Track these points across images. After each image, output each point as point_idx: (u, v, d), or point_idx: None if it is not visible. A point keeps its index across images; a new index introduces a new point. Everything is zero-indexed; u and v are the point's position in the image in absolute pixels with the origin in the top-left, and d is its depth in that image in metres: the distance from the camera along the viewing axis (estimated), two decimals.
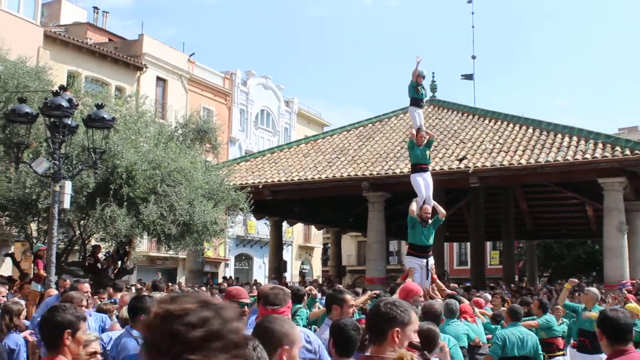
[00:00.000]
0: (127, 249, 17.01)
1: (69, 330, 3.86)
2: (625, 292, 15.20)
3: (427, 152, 13.16)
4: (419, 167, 12.87)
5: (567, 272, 40.45)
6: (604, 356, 5.18)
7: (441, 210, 12.13)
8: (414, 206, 12.03)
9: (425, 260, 11.89)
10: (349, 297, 5.77)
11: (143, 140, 16.64)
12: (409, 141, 13.54)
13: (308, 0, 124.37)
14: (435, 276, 11.87)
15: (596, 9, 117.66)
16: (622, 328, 4.14)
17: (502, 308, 11.49)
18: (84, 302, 6.64)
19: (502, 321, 9.89)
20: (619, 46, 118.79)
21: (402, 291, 7.32)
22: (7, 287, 10.73)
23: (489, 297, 13.38)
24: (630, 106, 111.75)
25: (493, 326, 10.29)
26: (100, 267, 16.22)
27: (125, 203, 14.60)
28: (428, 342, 4.70)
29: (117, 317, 7.76)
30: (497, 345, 8.03)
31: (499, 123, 23.24)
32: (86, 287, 8.42)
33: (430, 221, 11.98)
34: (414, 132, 12.83)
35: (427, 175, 12.79)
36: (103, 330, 7.07)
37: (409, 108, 13.84)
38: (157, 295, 9.31)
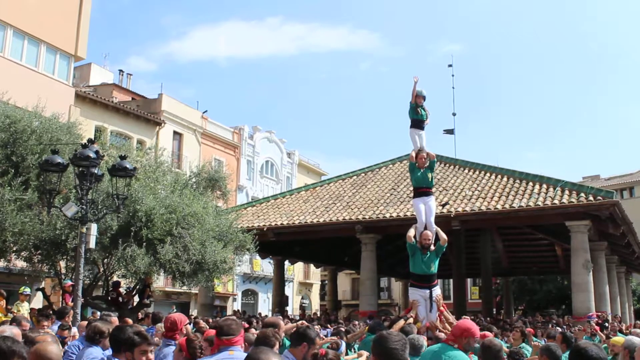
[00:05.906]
0: (144, 288, 16.84)
1: None
2: (593, 324, 15.07)
3: (429, 175, 11.11)
4: (420, 191, 11.06)
5: (539, 305, 40.22)
6: None
7: (443, 236, 10.39)
8: (411, 232, 10.29)
9: (428, 291, 10.04)
10: (318, 340, 5.18)
11: (161, 188, 16.66)
12: (409, 164, 11.51)
13: (310, 64, 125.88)
14: (442, 307, 9.92)
15: (557, 72, 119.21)
16: None
17: (523, 344, 9.22)
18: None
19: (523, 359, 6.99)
20: (581, 104, 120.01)
21: (457, 329, 5.59)
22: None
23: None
24: (592, 157, 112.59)
25: None
26: (121, 300, 16.08)
27: (144, 243, 14.54)
28: None
29: None
30: None
31: (477, 172, 23.29)
32: (115, 320, 8.32)
33: (432, 248, 10.20)
34: (414, 154, 11.06)
35: (429, 200, 10.98)
36: None
37: (409, 130, 11.48)
38: (159, 325, 9.07)
